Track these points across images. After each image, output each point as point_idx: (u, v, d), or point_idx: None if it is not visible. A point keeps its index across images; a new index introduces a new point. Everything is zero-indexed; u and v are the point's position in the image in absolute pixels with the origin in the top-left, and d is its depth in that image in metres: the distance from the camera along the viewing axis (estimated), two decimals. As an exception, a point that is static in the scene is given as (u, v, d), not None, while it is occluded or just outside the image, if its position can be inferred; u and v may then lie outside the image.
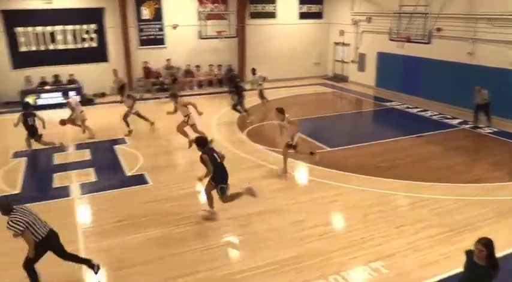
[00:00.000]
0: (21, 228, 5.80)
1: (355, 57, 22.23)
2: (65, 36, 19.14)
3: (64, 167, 11.12)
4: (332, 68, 24.44)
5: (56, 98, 17.21)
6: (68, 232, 7.77)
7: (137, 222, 8.17)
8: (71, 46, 19.28)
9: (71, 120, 13.54)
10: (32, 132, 11.96)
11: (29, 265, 6.07)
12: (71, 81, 18.75)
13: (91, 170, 10.80)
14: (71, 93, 16.29)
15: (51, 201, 9.18)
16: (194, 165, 10.33)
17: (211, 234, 7.73)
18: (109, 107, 17.35)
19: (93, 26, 19.51)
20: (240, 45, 21.88)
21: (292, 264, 6.75)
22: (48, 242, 6.14)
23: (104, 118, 15.65)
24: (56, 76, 18.74)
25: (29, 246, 5.94)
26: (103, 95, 19.51)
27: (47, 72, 18.69)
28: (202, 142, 8.13)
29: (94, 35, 19.60)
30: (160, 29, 20.53)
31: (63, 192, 9.58)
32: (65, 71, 18.85)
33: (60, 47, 19.14)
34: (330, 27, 23.80)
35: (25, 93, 17.66)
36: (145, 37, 20.39)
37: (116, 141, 13.06)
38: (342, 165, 10.74)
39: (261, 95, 17.22)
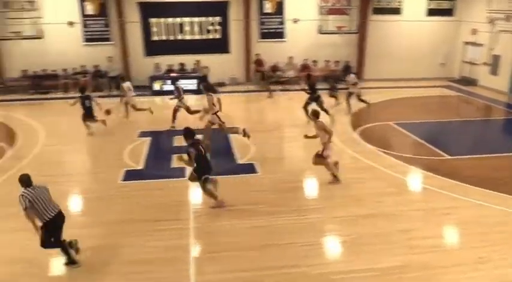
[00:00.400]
0: (25, 205, 6.14)
1: (488, 59, 20.23)
2: (192, 28, 20.42)
3: (182, 149, 11.82)
4: (459, 69, 22.55)
5: (181, 84, 18.53)
6: (180, 211, 8.39)
7: (244, 209, 8.43)
8: (197, 37, 20.52)
9: (123, 102, 14.90)
10: (89, 113, 13.18)
11: (44, 244, 6.45)
12: (194, 70, 19.97)
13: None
14: (191, 82, 17.39)
15: (168, 179, 9.91)
16: (304, 163, 10.38)
17: (315, 231, 7.68)
18: (226, 97, 18.07)
19: (218, 19, 20.48)
20: (360, 42, 21.27)
21: (396, 273, 6.41)
22: (56, 223, 6.47)
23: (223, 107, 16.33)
24: (182, 64, 20.10)
25: (31, 223, 6.27)
26: (222, 84, 20.41)
27: (174, 60, 20.13)
28: (190, 134, 8.32)
29: (218, 27, 20.58)
30: (281, 23, 20.82)
31: (179, 172, 10.24)
32: (190, 60, 20.13)
33: (187, 37, 20.47)
34: (460, 26, 21.96)
35: (153, 78, 19.28)
36: (265, 30, 20.85)
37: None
38: (461, 176, 9.88)
39: (359, 98, 15.78)
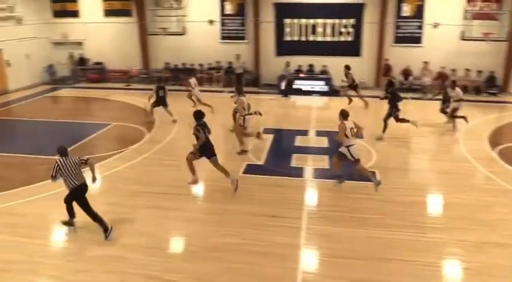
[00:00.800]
0: (53, 173, 7.20)
1: None
2: (324, 29, 20.34)
3: (303, 149, 11.99)
4: None
5: (308, 85, 18.78)
6: (295, 209, 8.42)
7: (359, 217, 8.17)
8: (328, 39, 20.38)
9: (189, 96, 15.84)
10: (162, 102, 14.52)
11: (65, 201, 7.56)
12: (323, 72, 19.93)
13: (325, 157, 11.29)
14: (319, 83, 17.42)
15: (286, 177, 10.03)
16: (429, 176, 9.71)
17: (434, 251, 7.11)
18: (354, 101, 17.73)
19: (351, 21, 20.09)
20: (509, 51, 19.06)
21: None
22: (79, 191, 7.40)
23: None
24: (311, 66, 20.20)
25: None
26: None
27: (304, 61, 20.31)
28: (199, 115, 9.17)
29: (351, 30, 20.18)
30: (419, 27, 19.66)
31: (298, 172, 10.34)
32: (319, 61, 20.13)
33: (319, 39, 20.45)
34: None
35: (282, 78, 19.68)
36: (401, 34, 19.90)
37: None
38: None
39: (452, 114, 13.86)
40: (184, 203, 8.84)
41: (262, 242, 7.31)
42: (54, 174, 7.23)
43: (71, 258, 6.90)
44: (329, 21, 20.22)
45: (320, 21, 20.24)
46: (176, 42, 21.28)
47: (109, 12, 22.13)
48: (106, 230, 7.41)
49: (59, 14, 22.65)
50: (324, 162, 11.03)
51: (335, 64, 19.70)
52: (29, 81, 21.32)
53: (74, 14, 22.46)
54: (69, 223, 7.80)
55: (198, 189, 9.72)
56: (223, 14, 20.91)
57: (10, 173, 10.70)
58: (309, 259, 6.99)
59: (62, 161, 7.28)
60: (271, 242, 7.28)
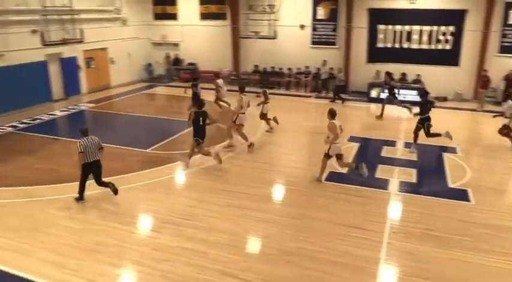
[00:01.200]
0: (80, 150, 8.51)
1: None
2: (420, 36, 19.39)
3: (389, 161, 11.51)
4: None
5: (399, 95, 18.05)
6: (376, 222, 8.10)
7: (444, 237, 7.64)
8: (423, 46, 19.38)
9: (217, 98, 16.07)
10: (195, 99, 14.45)
11: (80, 178, 8.75)
12: (416, 81, 18.99)
13: (413, 171, 10.75)
14: (411, 92, 16.63)
15: (369, 188, 9.69)
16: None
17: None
18: (447, 113, 16.74)
19: (451, 28, 18.95)
20: None
21: None
22: (92, 166, 8.69)
23: (441, 124, 15.17)
24: (403, 74, 19.33)
25: (79, 162, 8.62)
26: (445, 99, 18.85)
27: (396, 69, 19.49)
28: (200, 104, 10.76)
29: (450, 37, 19.04)
30: (529, 36, 18.02)
31: (382, 184, 9.94)
32: (412, 70, 19.22)
33: (413, 46, 19.53)
34: None
35: (372, 85, 19.13)
36: (508, 44, 18.34)
37: (446, 149, 12.45)
38: None
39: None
40: (266, 205, 8.90)
41: (340, 252, 7.12)
42: (82, 150, 8.57)
43: (155, 247, 7.24)
44: (426, 28, 19.25)
45: (416, 27, 19.34)
46: (266, 45, 21.60)
47: (205, 16, 23.10)
48: (115, 191, 9.00)
49: (159, 16, 24.12)
50: (410, 176, 10.50)
51: (430, 73, 18.78)
52: (129, 78, 22.92)
53: (173, 16, 23.77)
54: (81, 198, 8.91)
55: (281, 192, 9.75)
56: (315, 19, 20.83)
57: (106, 163, 11.46)
58: (387, 275, 6.68)
59: (84, 140, 8.64)
60: (349, 253, 7.07)
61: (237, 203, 8.90)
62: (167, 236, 7.58)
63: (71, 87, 19.43)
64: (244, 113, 12.27)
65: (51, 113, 16.74)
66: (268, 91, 14.58)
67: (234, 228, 7.87)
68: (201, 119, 10.45)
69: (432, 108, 12.33)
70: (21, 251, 7.10)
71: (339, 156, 9.98)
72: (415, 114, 12.53)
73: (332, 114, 9.84)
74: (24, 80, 16.61)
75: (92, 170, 8.79)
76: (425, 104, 12.24)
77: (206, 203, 8.87)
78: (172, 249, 7.16)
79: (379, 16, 19.69)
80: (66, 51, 18.69)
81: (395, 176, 10.44)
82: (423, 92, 13.02)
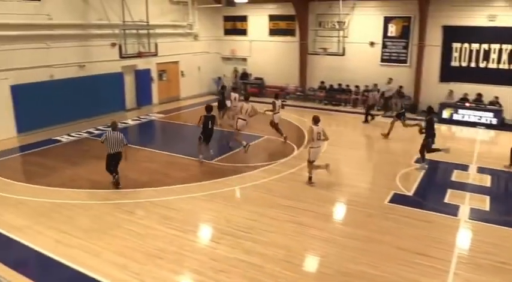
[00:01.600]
0: (101, 140, 10.02)
1: None
2: (499, 55, 18.30)
3: (460, 186, 10.86)
4: None
5: (473, 116, 17.16)
6: (443, 250, 7.65)
7: (519, 271, 7.06)
8: (503, 66, 18.26)
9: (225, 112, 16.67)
10: (221, 106, 15.32)
11: (106, 167, 10.17)
12: (492, 102, 17.88)
13: (486, 198, 10.06)
14: (487, 114, 15.69)
15: (435, 213, 9.19)
16: None
17: None
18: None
19: (534, 48, 17.74)
20: None
21: None
22: (111, 157, 10.03)
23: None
24: (479, 95, 18.29)
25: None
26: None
27: (471, 89, 18.52)
28: (209, 109, 12.41)
29: (533, 57, 17.82)
30: None
31: (451, 210, 9.39)
32: (489, 91, 18.14)
33: (491, 66, 18.45)
34: None
35: (444, 106, 18.28)
36: None
37: (524, 176, 11.61)
38: None
39: None
40: (326, 223, 8.73)
41: (403, 278, 6.78)
42: (102, 141, 10.01)
43: (213, 257, 7.32)
44: (507, 46, 18.10)
45: (495, 46, 18.28)
46: (334, 62, 21.42)
47: (274, 32, 23.44)
48: (117, 184, 10.28)
49: (229, 31, 24.83)
50: (483, 202, 9.83)
51: (509, 95, 17.61)
52: (198, 91, 23.68)
53: (242, 32, 24.36)
54: (116, 183, 10.31)
55: (342, 211, 9.55)
56: (385, 36, 20.39)
57: (171, 171, 11.95)
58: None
59: (109, 133, 9.96)
60: (413, 281, 6.72)
61: (297, 219, 8.80)
62: (225, 247, 7.65)
63: (143, 97, 20.44)
64: (244, 119, 13.46)
65: (124, 121, 17.66)
66: (277, 102, 14.83)
67: (292, 245, 7.78)
68: (209, 122, 12.20)
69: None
70: (91, 251, 7.48)
71: (311, 161, 10.75)
72: (421, 130, 12.37)
73: (315, 120, 10.62)
74: (102, 89, 17.72)
75: (113, 159, 10.14)
76: (431, 121, 12.10)
77: (266, 217, 8.86)
78: (230, 261, 7.20)
79: (454, 34, 18.87)
80: (141, 64, 19.73)
81: (466, 202, 9.82)
82: (428, 109, 12.74)
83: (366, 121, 17.77)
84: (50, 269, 7.10)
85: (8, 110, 14.71)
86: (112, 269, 6.94)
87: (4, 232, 8.16)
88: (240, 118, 13.48)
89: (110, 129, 10.13)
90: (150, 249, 7.54)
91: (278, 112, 14.63)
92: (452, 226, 8.66)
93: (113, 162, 10.14)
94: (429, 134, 12.04)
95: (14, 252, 7.58)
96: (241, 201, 10.01)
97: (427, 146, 12.05)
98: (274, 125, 14.70)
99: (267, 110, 14.84)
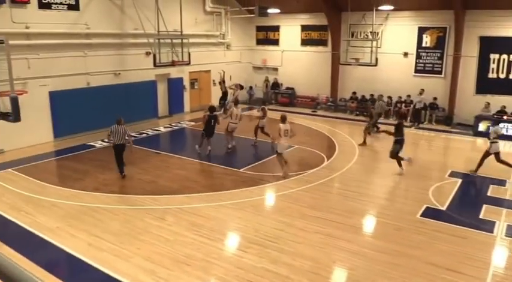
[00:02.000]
0: (109, 132, 11.55)
1: None
2: (541, 68, 17.67)
3: (497, 201, 10.47)
4: None
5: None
6: (477, 268, 7.37)
7: None
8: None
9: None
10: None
11: (115, 157, 11.70)
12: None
13: (524, 215, 9.68)
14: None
15: (470, 229, 8.88)
16: None
17: None
18: None
19: None
20: None
21: None
22: (116, 147, 11.54)
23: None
24: (504, 107, 17.68)
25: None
26: None
27: (509, 102, 17.92)
28: (211, 109, 13.97)
29: None
30: None
31: (487, 226, 9.05)
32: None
33: (532, 78, 17.84)
34: None
35: (479, 118, 17.76)
36: None
37: None
38: None
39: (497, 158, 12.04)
40: (355, 236, 8.57)
41: (434, 295, 6.57)
42: (109, 134, 11.56)
43: (240, 266, 7.29)
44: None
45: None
46: (366, 73, 21.20)
47: (306, 42, 23.46)
48: (122, 172, 11.65)
49: (261, 41, 25.03)
50: (522, 219, 9.45)
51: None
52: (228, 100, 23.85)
53: (275, 42, 24.49)
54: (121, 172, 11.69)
55: (372, 224, 9.37)
56: (420, 47, 20.05)
57: (201, 178, 12.05)
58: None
59: (114, 127, 11.42)
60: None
61: (325, 230, 8.69)
62: (252, 256, 7.62)
63: (175, 105, 20.77)
64: (235, 123, 14.47)
65: (156, 128, 17.99)
66: (267, 108, 15.81)
67: (320, 256, 7.67)
68: (212, 120, 13.80)
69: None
70: (120, 255, 7.60)
71: (278, 154, 11.88)
72: (390, 133, 12.70)
73: (282, 119, 11.90)
74: (135, 97, 18.13)
75: (117, 150, 11.57)
76: (400, 126, 12.54)
77: (293, 228, 8.79)
78: (256, 270, 7.16)
79: (491, 44, 18.35)
80: (174, 72, 20.09)
81: (503, 219, 9.45)
82: (399, 115, 13.80)
83: (377, 129, 17.25)
84: (81, 271, 7.24)
85: (46, 116, 15.25)
86: (140, 273, 7.03)
87: (38, 233, 8.41)
88: (231, 122, 14.53)
89: (116, 124, 11.48)
90: (178, 256, 7.60)
91: (264, 119, 15.21)
92: (488, 243, 8.34)
93: (118, 152, 11.62)
94: (397, 139, 12.29)
95: (47, 253, 7.79)
96: (269, 211, 9.97)
97: (394, 152, 12.28)
98: (258, 129, 15.26)
99: (256, 117, 16.02)
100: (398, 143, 12.29)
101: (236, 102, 15.00)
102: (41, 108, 14.93)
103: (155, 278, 6.88)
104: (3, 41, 7.26)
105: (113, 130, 11.46)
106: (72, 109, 15.69)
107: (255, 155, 14.09)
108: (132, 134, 16.42)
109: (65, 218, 9.10)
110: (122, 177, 11.64)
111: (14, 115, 7.45)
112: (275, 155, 12.37)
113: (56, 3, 14.96)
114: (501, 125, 16.61)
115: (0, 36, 7.37)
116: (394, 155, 12.30)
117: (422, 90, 19.35)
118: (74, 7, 15.57)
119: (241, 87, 18.98)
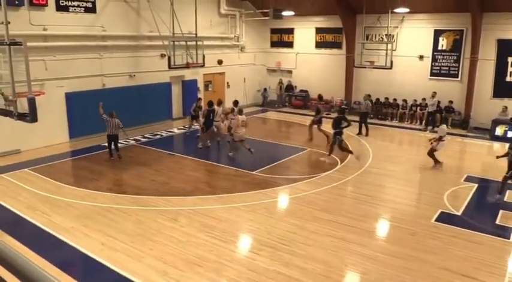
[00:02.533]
0: (103, 117, 13.13)
1: None
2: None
3: (512, 207, 10.33)
4: None
5: None
6: (491, 274, 7.25)
7: None
8: None
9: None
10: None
11: (108, 143, 13.64)
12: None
13: (542, 221, 9.49)
14: None
15: (487, 235, 8.74)
16: None
17: None
18: None
19: None
20: None
21: None
22: (110, 137, 13.32)
23: None
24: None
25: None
26: None
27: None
28: (211, 103, 15.19)
29: None
30: None
31: (504, 232, 8.89)
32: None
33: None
34: None
35: (497, 122, 17.50)
36: None
37: None
38: None
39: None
40: (368, 240, 8.50)
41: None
42: (104, 119, 13.10)
43: (252, 268, 7.29)
44: None
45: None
46: (381, 75, 21.06)
47: (320, 44, 23.40)
48: (119, 156, 13.59)
49: (275, 44, 25.04)
50: (539, 225, 9.26)
51: None
52: (242, 102, 23.85)
53: (289, 45, 24.48)
54: (114, 155, 13.53)
55: (386, 228, 9.29)
56: (436, 50, 19.83)
57: (214, 180, 12.09)
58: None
59: (109, 119, 13.04)
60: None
61: (338, 234, 8.64)
62: (264, 259, 7.61)
63: (190, 107, 20.82)
64: (239, 133, 14.12)
65: (170, 130, 18.11)
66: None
67: (332, 260, 7.63)
68: (211, 114, 14.97)
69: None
70: (133, 256, 7.66)
71: (242, 141, 13.87)
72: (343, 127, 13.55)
73: (240, 111, 14.07)
74: (150, 98, 18.28)
75: (111, 139, 13.30)
76: (338, 120, 13.60)
77: (306, 231, 8.76)
78: (268, 273, 7.15)
79: (510, 48, 18.04)
80: (188, 74, 20.20)
81: (520, 225, 9.30)
82: (340, 110, 14.87)
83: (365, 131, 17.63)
84: (94, 270, 7.31)
85: (62, 116, 15.47)
86: (153, 274, 7.07)
87: (53, 232, 8.52)
88: (235, 132, 14.21)
89: (109, 117, 13.12)
90: (191, 257, 7.63)
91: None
92: (504, 249, 8.20)
93: (111, 141, 13.37)
94: (336, 132, 13.53)
95: (61, 253, 7.88)
96: (282, 213, 9.95)
97: (333, 143, 13.61)
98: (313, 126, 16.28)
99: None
100: (338, 134, 13.50)
101: (240, 111, 14.54)
102: (57, 109, 15.15)
103: (167, 279, 6.92)
104: (21, 42, 7.40)
105: (109, 122, 13.15)
106: (87, 110, 15.86)
107: (268, 158, 14.08)
108: (146, 135, 16.72)
109: (80, 218, 9.20)
110: (111, 159, 13.53)
111: (31, 116, 7.57)
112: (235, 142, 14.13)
113: (73, 6, 15.19)
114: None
115: (19, 38, 7.50)
116: (339, 148, 13.50)
117: (435, 93, 19.13)
118: (91, 10, 15.78)
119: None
